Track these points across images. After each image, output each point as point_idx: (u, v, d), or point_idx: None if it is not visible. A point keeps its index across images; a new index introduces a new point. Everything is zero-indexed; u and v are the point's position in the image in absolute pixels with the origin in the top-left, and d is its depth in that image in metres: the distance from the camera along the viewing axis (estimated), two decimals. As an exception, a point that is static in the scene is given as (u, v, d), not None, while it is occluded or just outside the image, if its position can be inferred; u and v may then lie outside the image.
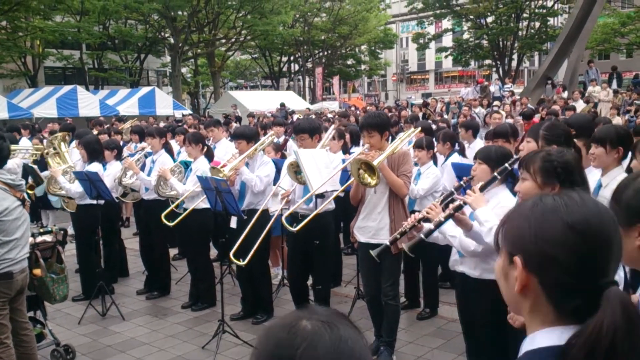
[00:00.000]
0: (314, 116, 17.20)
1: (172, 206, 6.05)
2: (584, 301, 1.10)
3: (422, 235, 3.26)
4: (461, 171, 4.75)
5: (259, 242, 5.19)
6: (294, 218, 5.26)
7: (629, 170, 3.91)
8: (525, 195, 2.51)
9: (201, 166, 6.11)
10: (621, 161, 3.59)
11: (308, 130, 5.29)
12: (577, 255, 1.10)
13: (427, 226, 3.35)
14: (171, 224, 5.90)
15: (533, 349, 1.14)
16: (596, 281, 1.10)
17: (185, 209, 6.06)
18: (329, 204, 5.15)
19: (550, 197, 1.18)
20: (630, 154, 3.75)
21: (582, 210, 1.13)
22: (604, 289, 1.08)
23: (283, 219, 4.98)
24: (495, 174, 3.36)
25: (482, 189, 3.29)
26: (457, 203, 3.25)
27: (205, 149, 6.54)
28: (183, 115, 19.97)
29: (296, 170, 5.06)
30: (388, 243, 3.53)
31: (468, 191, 3.30)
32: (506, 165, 3.36)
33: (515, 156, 3.54)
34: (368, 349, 1.03)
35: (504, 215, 1.26)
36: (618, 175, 3.38)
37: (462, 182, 3.63)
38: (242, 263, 5.15)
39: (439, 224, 3.22)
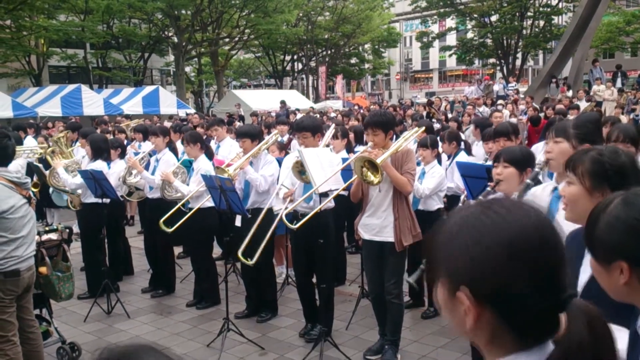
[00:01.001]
0: (318, 115, 17.19)
1: (173, 210, 5.94)
2: (545, 319, 1.03)
3: (422, 267, 3.04)
4: (467, 170, 4.73)
5: (266, 241, 5.19)
6: (294, 216, 5.26)
7: None
8: (571, 202, 2.21)
9: (202, 165, 6.12)
10: None
11: (310, 128, 5.29)
12: (526, 278, 1.01)
13: None
14: (169, 230, 5.82)
15: None
16: (555, 297, 1.02)
17: (190, 209, 6.06)
18: (330, 203, 5.15)
19: (477, 214, 1.06)
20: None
21: (514, 226, 1.02)
22: (566, 304, 1.02)
23: (283, 215, 4.96)
24: (528, 180, 3.07)
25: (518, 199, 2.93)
26: None
27: (205, 147, 6.53)
28: (187, 115, 19.98)
29: (300, 170, 5.06)
30: (423, 267, 3.18)
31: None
32: (537, 170, 3.09)
33: (546, 159, 3.13)
34: None
35: (428, 235, 1.14)
36: None
37: (489, 189, 3.34)
38: (250, 263, 5.15)
39: None
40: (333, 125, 7.11)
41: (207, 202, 5.95)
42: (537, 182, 3.16)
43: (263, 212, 5.41)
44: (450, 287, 1.06)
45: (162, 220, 5.91)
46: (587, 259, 2.05)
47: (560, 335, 1.01)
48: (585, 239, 1.55)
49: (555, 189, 2.89)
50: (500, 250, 1.01)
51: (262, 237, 5.19)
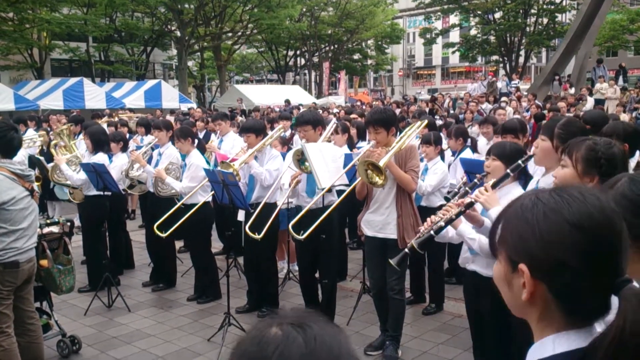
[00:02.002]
0: (321, 110, 17.16)
1: (166, 215, 5.86)
2: (598, 303, 1.06)
3: (432, 232, 3.18)
4: (470, 167, 4.72)
5: (272, 218, 5.19)
6: (297, 213, 5.25)
7: (638, 166, 3.88)
8: (562, 183, 2.37)
9: (195, 160, 6.10)
10: (629, 158, 3.55)
11: (311, 121, 5.28)
12: (586, 257, 1.04)
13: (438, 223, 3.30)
14: (164, 235, 5.72)
15: (548, 356, 1.09)
16: (610, 281, 1.05)
17: (184, 204, 6.01)
18: (331, 196, 5.13)
19: (549, 195, 1.10)
20: (638, 151, 3.72)
21: (584, 207, 1.07)
22: (620, 288, 1.04)
23: (290, 227, 4.93)
24: (508, 170, 3.30)
25: (494, 186, 3.20)
26: (468, 200, 3.17)
27: (196, 142, 6.51)
28: (189, 109, 19.96)
29: (300, 159, 5.03)
30: (407, 251, 3.38)
31: (480, 189, 3.21)
32: (519, 162, 3.27)
33: (531, 153, 3.46)
34: (348, 344, 0.96)
35: (498, 214, 1.18)
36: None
37: (476, 180, 3.53)
38: (258, 237, 5.13)
39: (449, 221, 3.12)
40: (334, 119, 7.09)
41: (202, 197, 5.97)
42: (524, 173, 3.48)
43: (261, 204, 5.39)
44: (511, 260, 1.11)
45: (155, 226, 5.80)
46: None
47: (616, 320, 1.02)
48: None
49: (537, 182, 3.27)
50: (567, 227, 1.05)
51: (264, 223, 5.19)
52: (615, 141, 2.67)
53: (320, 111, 16.06)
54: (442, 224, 3.13)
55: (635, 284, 1.06)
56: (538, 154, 3.35)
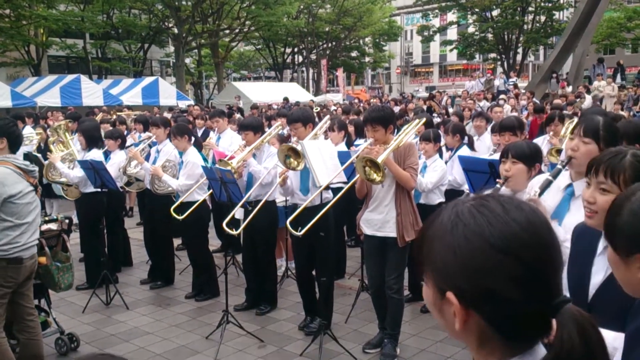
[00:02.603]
0: (318, 108, 17.16)
1: (177, 203, 5.96)
2: (535, 325, 0.98)
3: None
4: (468, 164, 4.71)
5: (263, 201, 5.18)
6: (294, 210, 5.24)
7: None
8: (605, 210, 1.94)
9: (191, 158, 6.09)
10: None
11: (301, 119, 5.28)
12: (515, 282, 0.95)
13: None
14: (180, 218, 5.83)
15: None
16: (547, 303, 0.97)
17: (182, 203, 6.03)
18: (326, 193, 5.12)
19: (469, 212, 0.99)
20: None
21: (507, 225, 0.96)
22: (556, 309, 0.97)
23: (288, 223, 4.92)
24: (550, 177, 2.91)
25: (540, 195, 2.82)
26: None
27: (193, 139, 6.50)
28: (188, 107, 19.93)
29: (287, 155, 5.00)
30: None
31: (530, 198, 2.82)
32: (560, 167, 2.92)
33: (567, 156, 2.91)
34: None
35: (420, 229, 1.08)
36: None
37: (497, 185, 3.24)
38: (234, 233, 5.19)
39: None
40: (327, 116, 7.08)
41: (198, 195, 5.98)
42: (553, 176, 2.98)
43: (261, 202, 5.39)
44: (438, 287, 1.01)
45: (172, 208, 5.91)
46: (601, 258, 2.01)
47: (550, 341, 0.97)
48: (605, 229, 1.48)
49: (570, 186, 2.79)
50: (491, 252, 0.95)
51: (262, 228, 5.18)
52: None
53: (318, 108, 16.06)
54: None
55: (570, 304, 0.98)
56: (580, 158, 2.76)
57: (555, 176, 2.88)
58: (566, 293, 2.10)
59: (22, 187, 3.90)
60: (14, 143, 4.03)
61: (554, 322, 0.98)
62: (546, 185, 2.87)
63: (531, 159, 3.23)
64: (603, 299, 1.96)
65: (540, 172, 3.18)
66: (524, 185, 3.11)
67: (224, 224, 5.24)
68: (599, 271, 1.99)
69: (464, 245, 0.97)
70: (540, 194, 2.82)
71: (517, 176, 3.22)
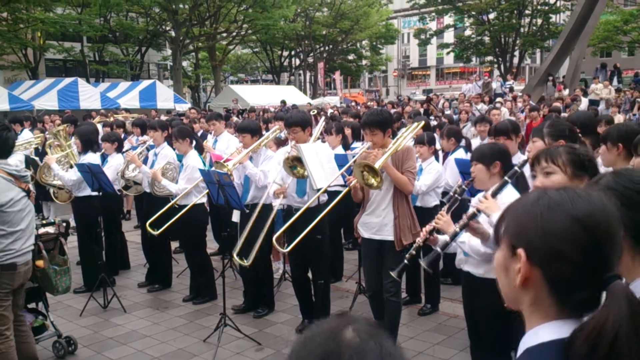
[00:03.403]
0: (315, 111, 17.15)
1: (159, 213, 5.92)
2: (587, 295, 1.10)
3: (439, 250, 3.18)
4: (464, 167, 4.73)
5: (260, 241, 5.18)
6: (289, 212, 5.25)
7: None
8: None
9: (192, 161, 6.09)
10: (628, 158, 3.55)
11: (300, 122, 5.28)
12: (583, 249, 1.10)
13: (442, 238, 3.27)
14: (156, 233, 5.82)
15: (536, 344, 1.13)
16: (601, 275, 1.09)
17: (177, 205, 6.03)
18: (322, 196, 5.14)
19: (556, 191, 1.17)
20: None
21: (588, 205, 1.13)
22: (608, 283, 1.08)
23: (275, 238, 4.96)
24: (506, 178, 3.23)
25: (494, 195, 3.17)
26: (470, 211, 3.13)
27: (194, 142, 6.50)
28: (189, 109, 19.95)
29: (292, 165, 5.03)
30: (406, 262, 3.42)
31: (479, 197, 3.20)
32: (515, 168, 3.25)
33: (526, 157, 3.47)
34: None
35: (505, 207, 1.24)
36: None
37: (463, 185, 3.52)
38: (246, 264, 5.15)
39: (454, 235, 3.12)
40: (323, 118, 7.10)
41: (195, 198, 5.97)
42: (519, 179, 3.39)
43: (258, 207, 5.40)
44: (511, 246, 1.16)
45: (148, 223, 5.89)
46: None
47: (600, 312, 1.06)
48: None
49: None
50: (569, 221, 1.11)
51: (258, 234, 5.18)
52: (583, 142, 2.89)
53: (315, 111, 16.07)
54: (448, 239, 3.13)
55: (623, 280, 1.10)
56: (531, 155, 3.27)
57: (511, 177, 3.20)
58: None
59: (13, 194, 3.84)
60: (3, 150, 3.92)
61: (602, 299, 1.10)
62: (501, 186, 3.19)
63: (489, 157, 3.50)
64: None
65: (510, 169, 3.35)
66: (489, 183, 3.43)
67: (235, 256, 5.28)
68: None
69: (545, 211, 1.14)
70: (494, 194, 3.14)
71: (478, 175, 3.53)
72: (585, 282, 1.10)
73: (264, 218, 5.30)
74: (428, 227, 3.33)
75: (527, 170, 3.52)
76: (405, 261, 3.47)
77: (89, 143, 6.60)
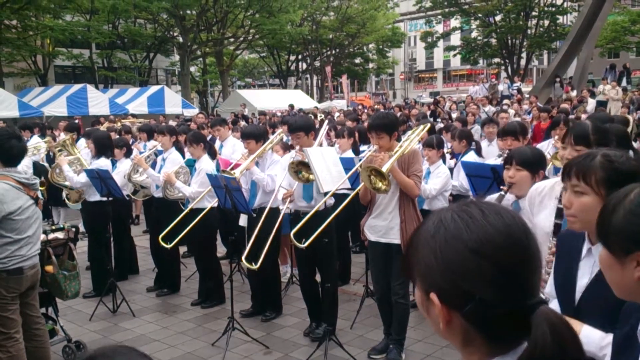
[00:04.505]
0: (322, 115, 17.20)
1: (172, 225, 5.95)
2: (515, 326, 1.01)
3: None
4: (472, 170, 4.73)
5: (268, 244, 5.20)
6: (296, 217, 5.27)
7: None
8: (584, 212, 1.98)
9: (205, 165, 6.13)
10: None
11: (303, 127, 5.30)
12: (491, 284, 0.99)
13: None
14: (169, 246, 5.88)
15: None
16: (522, 303, 1.00)
17: (191, 210, 6.07)
18: (329, 200, 5.15)
19: (450, 216, 1.04)
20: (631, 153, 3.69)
21: (484, 230, 1.00)
22: (531, 310, 0.99)
23: (292, 235, 4.95)
24: (503, 193, 3.09)
25: None
26: None
27: (208, 147, 6.55)
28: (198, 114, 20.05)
29: (297, 170, 5.04)
30: None
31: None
32: (501, 193, 3.10)
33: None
34: None
35: (409, 236, 1.14)
36: None
37: (502, 192, 3.27)
38: (254, 267, 5.17)
39: None
40: (326, 122, 7.13)
41: (208, 203, 6.00)
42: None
43: (266, 211, 5.42)
44: (424, 289, 1.06)
45: (161, 237, 5.93)
46: (585, 261, 2.03)
47: (527, 346, 0.99)
48: (599, 230, 1.47)
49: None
50: (468, 255, 1.00)
51: (266, 237, 5.20)
52: (626, 152, 2.25)
53: (322, 116, 16.11)
54: None
55: (549, 305, 1.01)
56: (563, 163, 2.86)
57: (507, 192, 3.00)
58: (555, 298, 2.14)
59: (21, 202, 3.87)
60: (7, 158, 3.92)
61: None
62: (499, 198, 3.00)
63: (535, 165, 3.24)
64: (590, 301, 1.98)
65: (544, 178, 3.20)
66: (527, 192, 3.10)
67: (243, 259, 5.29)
68: (585, 274, 2.01)
69: (443, 248, 1.02)
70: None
71: (520, 183, 3.22)
72: (507, 316, 1.00)
73: (271, 222, 5.32)
74: None
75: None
76: None
77: (103, 148, 6.67)
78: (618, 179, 1.93)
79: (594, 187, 1.98)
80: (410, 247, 1.09)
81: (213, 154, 7.16)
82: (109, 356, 0.93)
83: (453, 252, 1.01)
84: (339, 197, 5.26)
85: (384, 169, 4.18)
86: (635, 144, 7.54)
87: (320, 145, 5.74)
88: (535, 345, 0.97)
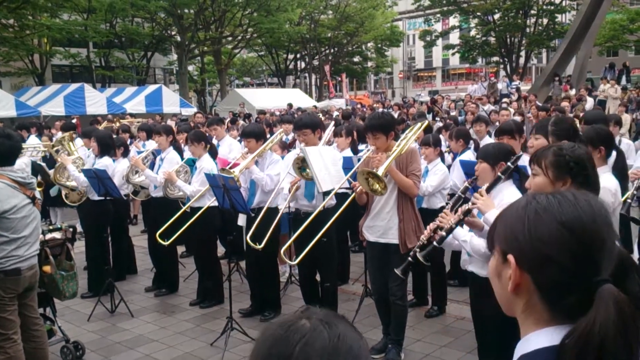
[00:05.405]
0: (320, 114, 17.18)
1: (170, 222, 5.94)
2: (578, 300, 1.08)
3: (435, 243, 3.24)
4: (469, 168, 4.72)
5: (272, 228, 5.22)
6: (297, 215, 5.26)
7: (614, 167, 3.97)
8: (537, 191, 2.33)
9: (206, 164, 6.12)
10: (606, 159, 3.62)
11: (310, 125, 5.28)
12: (570, 254, 1.09)
13: (439, 233, 3.35)
14: (166, 243, 5.87)
15: (529, 351, 1.12)
16: (590, 279, 1.08)
17: (190, 208, 6.06)
18: (330, 200, 5.14)
19: (544, 195, 1.17)
20: (615, 152, 3.82)
21: (575, 209, 1.12)
22: (597, 286, 1.06)
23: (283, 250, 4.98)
24: (499, 173, 3.35)
25: (488, 190, 3.27)
26: (465, 207, 3.22)
27: (209, 146, 6.54)
28: (195, 114, 20.03)
29: (300, 167, 5.04)
30: (410, 259, 3.44)
31: (475, 195, 3.27)
32: (509, 164, 3.34)
33: (520, 153, 3.56)
34: (367, 350, 1.04)
35: (498, 213, 1.25)
36: (603, 173, 3.23)
37: (466, 184, 3.62)
38: (259, 247, 5.17)
39: (450, 230, 3.20)
40: (332, 122, 7.10)
41: (208, 201, 5.97)
42: (517, 172, 3.50)
43: (263, 210, 5.41)
44: (502, 252, 1.17)
45: (158, 234, 5.92)
46: None
47: (588, 316, 1.05)
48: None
49: None
50: (555, 226, 1.11)
51: (267, 229, 5.20)
52: (579, 143, 2.74)
53: (321, 114, 16.09)
54: (444, 233, 3.17)
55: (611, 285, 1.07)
56: (532, 151, 3.35)
57: (504, 173, 3.31)
58: None
59: (17, 201, 3.85)
60: (2, 157, 3.90)
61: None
62: (495, 182, 3.32)
63: (494, 157, 3.59)
64: None
65: (508, 169, 3.39)
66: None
67: (247, 238, 5.30)
68: None
69: (533, 217, 1.14)
70: (488, 189, 3.26)
71: (481, 174, 3.61)
72: (575, 286, 1.09)
73: (269, 221, 5.31)
74: (432, 225, 3.37)
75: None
76: (410, 259, 3.48)
77: (106, 147, 6.66)
78: (566, 164, 2.45)
79: (544, 169, 2.48)
80: (497, 220, 1.22)
81: (214, 154, 7.15)
82: (337, 323, 1.03)
83: (542, 222, 1.13)
84: (339, 197, 5.25)
85: (380, 172, 4.17)
86: (635, 143, 7.53)
87: (329, 143, 5.73)
88: (595, 320, 1.03)
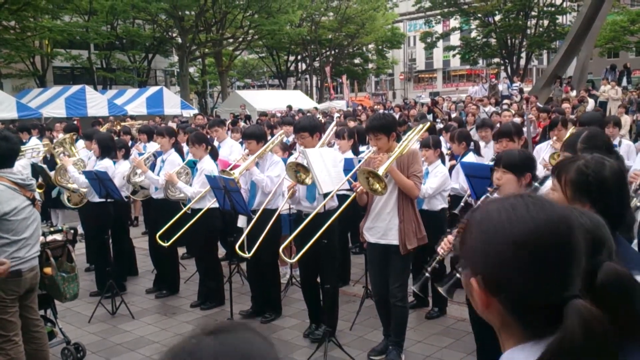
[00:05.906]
0: (320, 116, 17.19)
1: (169, 224, 5.96)
2: (550, 315, 1.04)
3: (427, 274, 3.18)
4: (470, 170, 4.72)
5: (264, 234, 5.21)
6: (298, 217, 5.26)
7: None
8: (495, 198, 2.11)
9: (207, 166, 6.12)
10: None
11: (308, 128, 5.28)
12: (530, 274, 1.03)
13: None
14: (166, 244, 5.89)
15: None
16: (558, 295, 1.03)
17: (191, 209, 6.07)
18: (331, 202, 5.14)
19: (496, 208, 1.09)
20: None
21: (528, 224, 1.04)
22: (564, 303, 1.02)
23: (281, 250, 4.99)
24: (537, 184, 3.12)
25: None
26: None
27: (210, 148, 6.55)
28: (194, 116, 20.04)
29: (296, 170, 5.04)
30: (427, 275, 3.32)
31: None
32: (536, 184, 3.12)
33: (548, 173, 3.22)
34: (271, 353, 0.92)
35: (460, 227, 1.20)
36: None
37: (487, 194, 3.35)
38: (247, 255, 5.17)
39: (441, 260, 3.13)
40: (334, 123, 7.11)
41: (209, 202, 5.97)
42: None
43: (259, 211, 5.42)
44: (468, 274, 1.13)
45: (158, 235, 5.94)
46: None
47: (556, 336, 1.01)
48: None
49: None
50: (508, 247, 1.04)
51: (265, 236, 5.20)
52: (608, 159, 2.29)
53: (320, 116, 16.10)
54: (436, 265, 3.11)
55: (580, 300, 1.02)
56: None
57: (541, 182, 3.03)
58: None
59: (17, 203, 3.85)
60: (1, 159, 3.89)
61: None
62: (533, 192, 2.92)
63: (521, 168, 3.31)
64: None
65: (534, 178, 3.23)
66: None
67: (236, 247, 5.30)
68: None
69: (486, 238, 1.08)
70: None
71: (506, 185, 3.29)
72: (542, 304, 1.04)
73: (265, 221, 5.32)
74: (451, 238, 3.15)
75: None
76: (427, 274, 3.31)
77: (107, 149, 6.68)
78: (587, 184, 2.01)
79: (562, 185, 2.09)
80: (461, 234, 1.17)
81: (215, 155, 7.16)
82: (228, 331, 0.94)
83: (495, 242, 1.06)
84: (340, 198, 5.26)
85: (380, 171, 4.17)
86: (635, 144, 7.53)
87: (329, 145, 5.72)
88: (564, 336, 1.00)
